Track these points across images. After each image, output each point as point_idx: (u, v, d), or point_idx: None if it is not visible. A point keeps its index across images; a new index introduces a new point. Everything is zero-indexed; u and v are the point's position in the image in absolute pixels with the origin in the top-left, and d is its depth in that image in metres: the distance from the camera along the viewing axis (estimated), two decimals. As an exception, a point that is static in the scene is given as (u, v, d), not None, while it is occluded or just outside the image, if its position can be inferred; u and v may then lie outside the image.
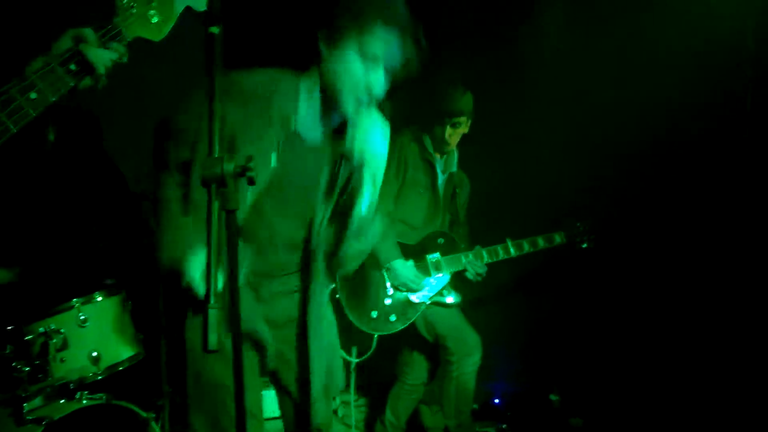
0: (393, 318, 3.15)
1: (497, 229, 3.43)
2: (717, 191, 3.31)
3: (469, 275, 3.23)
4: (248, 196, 1.85)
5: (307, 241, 2.05)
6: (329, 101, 1.91)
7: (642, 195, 3.55)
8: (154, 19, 1.50)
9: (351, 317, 3.16)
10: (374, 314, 3.16)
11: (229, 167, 1.35)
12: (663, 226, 3.50)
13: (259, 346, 2.05)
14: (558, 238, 3.34)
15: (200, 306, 1.26)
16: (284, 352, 2.12)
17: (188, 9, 1.56)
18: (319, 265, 2.07)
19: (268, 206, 1.95)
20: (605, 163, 3.57)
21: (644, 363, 3.53)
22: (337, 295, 3.14)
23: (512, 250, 3.26)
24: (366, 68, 1.84)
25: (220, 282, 1.29)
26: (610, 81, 3.57)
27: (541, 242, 3.31)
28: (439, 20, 3.96)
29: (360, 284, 3.19)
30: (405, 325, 3.19)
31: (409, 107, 3.20)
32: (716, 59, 3.22)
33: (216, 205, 1.34)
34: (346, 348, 3.24)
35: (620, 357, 3.63)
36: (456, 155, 3.38)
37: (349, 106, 1.88)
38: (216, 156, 1.37)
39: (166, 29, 1.53)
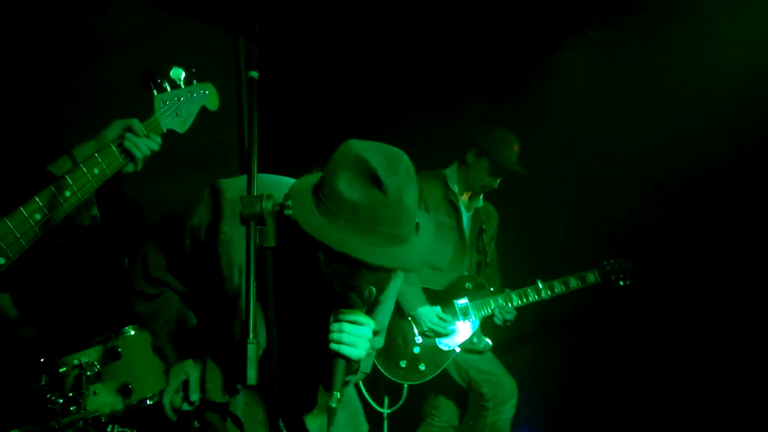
0: (422, 367, 3.07)
1: (527, 268, 3.38)
2: (746, 227, 3.28)
3: (497, 321, 3.15)
4: None
5: None
6: None
7: (674, 233, 3.54)
8: (181, 116, 1.83)
9: (380, 367, 3.07)
10: (403, 363, 3.08)
11: (268, 205, 1.39)
12: (696, 264, 3.46)
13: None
14: (592, 278, 3.23)
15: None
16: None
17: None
18: None
19: None
20: (634, 200, 3.58)
21: (677, 406, 3.45)
22: None
23: (543, 293, 3.18)
24: None
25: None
26: (637, 119, 3.60)
27: (573, 283, 3.21)
28: (466, 61, 4.02)
29: (387, 333, 3.12)
30: (435, 374, 3.11)
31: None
32: (740, 97, 3.25)
33: (253, 243, 1.39)
34: (377, 398, 3.14)
35: (655, 401, 3.56)
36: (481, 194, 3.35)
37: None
38: (254, 195, 1.42)
39: (189, 123, 1.87)
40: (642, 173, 3.59)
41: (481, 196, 3.34)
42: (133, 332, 2.61)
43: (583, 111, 3.89)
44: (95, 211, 1.87)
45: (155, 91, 1.79)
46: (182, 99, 1.84)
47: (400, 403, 3.15)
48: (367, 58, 3.80)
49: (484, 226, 3.34)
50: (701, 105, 3.33)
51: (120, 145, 1.73)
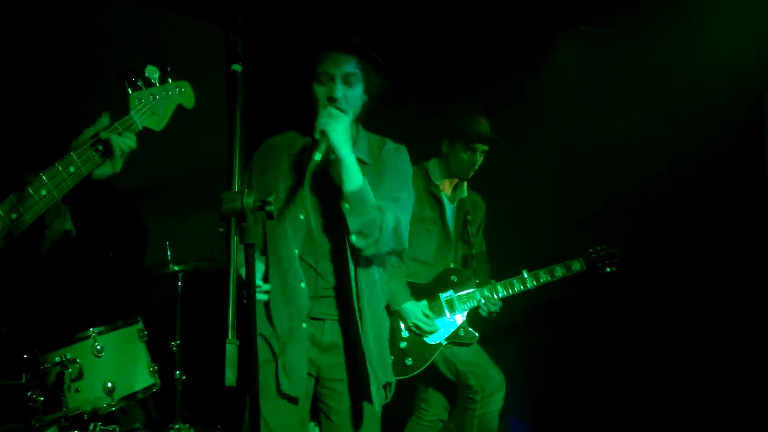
0: (409, 362, 3.04)
1: (513, 259, 3.36)
2: (734, 219, 3.30)
3: (483, 312, 3.15)
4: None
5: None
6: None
7: (661, 223, 3.54)
8: (157, 114, 1.85)
9: None
10: (391, 358, 3.07)
11: (249, 201, 1.37)
12: (684, 254, 3.46)
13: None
14: (577, 266, 3.20)
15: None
16: (328, 374, 2.19)
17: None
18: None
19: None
20: (621, 191, 3.59)
21: (667, 396, 3.46)
22: None
23: (529, 282, 3.15)
24: (325, 85, 2.10)
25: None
26: (624, 112, 3.60)
27: (559, 271, 3.18)
28: (458, 56, 4.02)
29: None
30: (423, 368, 3.06)
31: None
32: (733, 92, 3.25)
33: (235, 239, 1.36)
34: None
35: (642, 390, 3.57)
36: (465, 182, 3.32)
37: (322, 118, 2.06)
38: (236, 191, 1.39)
39: (165, 121, 1.89)
40: (629, 164, 3.59)
41: (465, 186, 3.33)
42: (116, 329, 2.58)
43: (570, 103, 3.88)
44: (69, 225, 1.86)
45: (130, 90, 1.79)
46: (157, 97, 1.84)
47: (387, 399, 3.12)
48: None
49: (469, 217, 3.33)
50: (691, 97, 3.33)
51: (94, 144, 1.71)
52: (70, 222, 1.86)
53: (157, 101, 1.84)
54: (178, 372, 3.03)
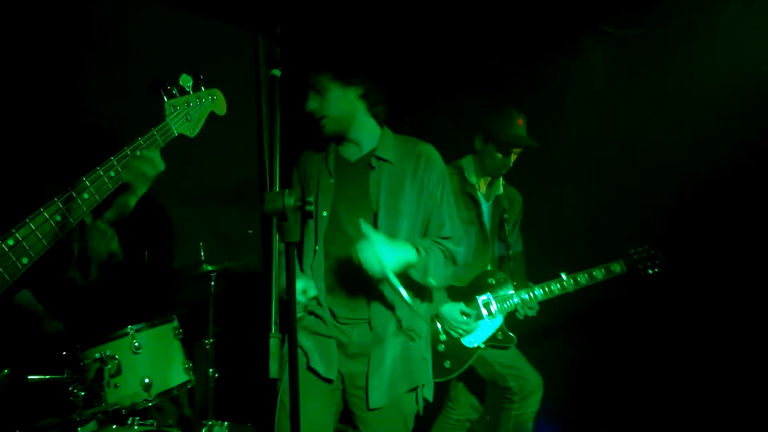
0: (448, 365, 3.03)
1: (547, 260, 3.35)
2: (762, 222, 3.27)
3: (519, 316, 3.13)
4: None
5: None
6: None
7: (685, 225, 3.53)
8: (191, 120, 1.93)
9: None
10: (428, 360, 3.07)
11: (290, 201, 1.41)
12: (710, 254, 3.44)
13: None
14: (618, 268, 3.15)
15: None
16: (356, 381, 2.23)
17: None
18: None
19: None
20: (656, 192, 3.57)
21: (697, 399, 3.43)
22: None
23: (568, 285, 3.11)
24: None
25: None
26: (650, 112, 3.61)
27: (598, 274, 3.13)
28: (484, 56, 4.05)
29: None
30: (460, 371, 3.06)
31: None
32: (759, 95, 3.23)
33: (276, 237, 1.41)
34: None
35: (672, 392, 3.54)
36: (501, 178, 3.30)
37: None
38: (277, 191, 1.44)
39: (198, 128, 1.97)
40: (656, 165, 3.57)
41: (501, 182, 3.30)
42: (153, 327, 2.65)
43: (601, 105, 3.87)
44: (115, 246, 1.95)
45: (165, 98, 1.86)
46: (191, 105, 1.92)
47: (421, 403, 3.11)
48: (381, 56, 3.83)
49: (505, 215, 3.29)
50: (723, 96, 3.29)
51: (109, 169, 1.79)
52: (116, 244, 1.94)
53: (191, 108, 1.92)
54: (211, 369, 3.09)
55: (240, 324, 3.40)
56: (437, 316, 3.05)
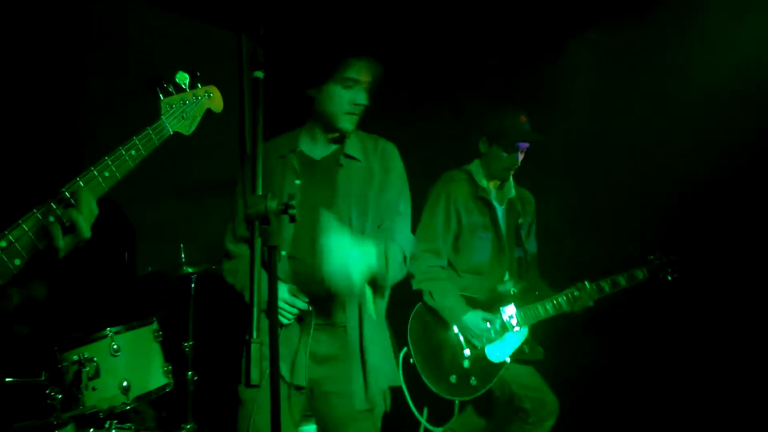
0: (474, 381, 2.93)
1: (568, 269, 3.29)
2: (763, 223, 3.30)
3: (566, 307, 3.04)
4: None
5: None
6: (327, 126, 2.23)
7: (694, 225, 3.54)
8: (187, 118, 1.90)
9: (429, 383, 2.89)
10: (453, 379, 2.93)
11: (272, 205, 1.41)
12: (730, 262, 3.43)
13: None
14: (640, 274, 3.09)
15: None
16: (324, 387, 2.17)
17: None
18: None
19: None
20: (656, 194, 3.59)
21: (706, 410, 3.42)
22: (411, 360, 2.91)
23: (593, 293, 3.04)
24: (346, 90, 2.16)
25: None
26: (639, 116, 3.66)
27: (622, 281, 3.07)
28: (472, 60, 4.07)
29: (435, 348, 2.97)
30: (487, 387, 2.96)
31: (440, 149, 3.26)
32: (748, 94, 3.28)
33: (259, 241, 1.40)
34: (418, 408, 2.94)
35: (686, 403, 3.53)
36: (512, 180, 3.19)
37: (343, 123, 2.19)
38: (259, 195, 1.43)
39: (194, 126, 1.95)
40: (649, 168, 3.61)
41: (512, 183, 3.20)
42: (132, 329, 2.63)
43: (584, 108, 3.91)
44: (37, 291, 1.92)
45: (161, 95, 1.83)
46: (187, 102, 1.90)
47: (454, 419, 2.98)
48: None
49: (520, 220, 3.22)
50: (721, 97, 3.32)
51: (127, 150, 1.71)
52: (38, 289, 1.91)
53: (187, 106, 1.90)
54: (190, 372, 3.07)
55: (220, 327, 3.38)
56: (459, 328, 2.97)
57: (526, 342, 3.04)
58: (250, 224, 1.41)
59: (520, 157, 3.07)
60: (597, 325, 3.58)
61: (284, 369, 2.11)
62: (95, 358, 2.48)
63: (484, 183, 3.13)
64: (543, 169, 3.61)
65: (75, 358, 2.45)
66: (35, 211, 1.47)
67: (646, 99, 3.64)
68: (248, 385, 1.27)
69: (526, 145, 3.06)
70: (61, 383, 2.43)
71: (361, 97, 2.16)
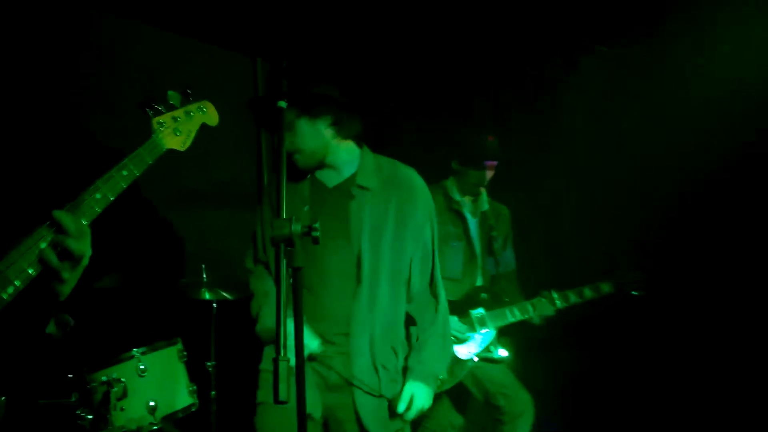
0: (442, 376, 3.12)
1: (539, 279, 3.40)
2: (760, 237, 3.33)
3: (535, 321, 3.22)
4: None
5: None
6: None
7: (687, 242, 3.58)
8: (179, 135, 1.92)
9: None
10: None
11: (297, 227, 1.47)
12: (706, 275, 3.49)
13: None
14: (606, 288, 3.21)
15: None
16: (337, 415, 2.15)
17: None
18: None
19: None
20: (645, 211, 3.64)
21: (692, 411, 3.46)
22: None
23: (559, 303, 3.19)
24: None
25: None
26: (644, 129, 3.69)
27: (588, 293, 3.21)
28: (479, 76, 4.15)
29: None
30: (453, 383, 3.12)
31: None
32: (756, 106, 3.31)
33: (284, 263, 1.46)
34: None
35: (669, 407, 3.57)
36: (485, 193, 3.40)
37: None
38: (284, 217, 1.49)
39: (189, 141, 1.96)
40: (650, 180, 3.65)
41: (485, 197, 3.40)
42: (159, 349, 2.68)
43: (591, 120, 3.96)
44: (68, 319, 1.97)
45: (152, 114, 1.87)
46: (179, 119, 1.92)
47: (428, 419, 3.17)
48: (377, 74, 3.93)
49: (493, 233, 3.38)
50: (712, 112, 3.37)
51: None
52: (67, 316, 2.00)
53: (179, 123, 1.93)
54: (213, 392, 3.12)
55: (243, 346, 3.43)
56: None
57: (493, 343, 3.19)
58: (276, 246, 1.46)
59: (489, 174, 3.30)
60: (583, 331, 3.67)
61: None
62: (123, 379, 2.53)
63: (457, 197, 3.36)
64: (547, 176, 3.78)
65: (103, 378, 2.51)
66: (26, 239, 1.51)
67: (645, 109, 3.69)
68: (277, 401, 1.31)
69: (494, 162, 3.29)
70: (90, 404, 2.49)
71: (286, 144, 1.96)
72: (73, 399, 2.44)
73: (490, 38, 3.94)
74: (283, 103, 1.63)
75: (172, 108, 1.93)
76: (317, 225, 1.50)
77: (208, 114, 2.02)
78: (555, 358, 3.80)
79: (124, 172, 1.76)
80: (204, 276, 3.17)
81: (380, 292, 2.13)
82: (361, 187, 2.17)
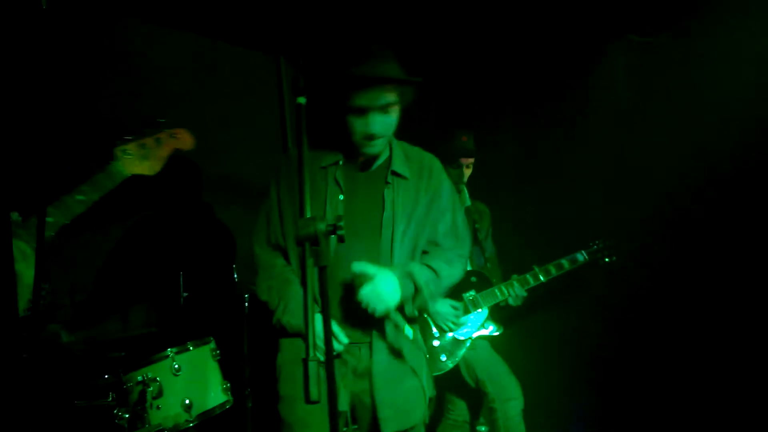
0: (443, 357, 3.30)
1: (529, 256, 3.54)
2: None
3: (512, 302, 3.40)
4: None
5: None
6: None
7: (697, 233, 3.54)
8: (148, 159, 2.04)
9: None
10: (426, 357, 3.25)
11: (322, 226, 1.46)
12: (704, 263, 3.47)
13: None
14: (581, 257, 3.48)
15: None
16: (363, 400, 2.19)
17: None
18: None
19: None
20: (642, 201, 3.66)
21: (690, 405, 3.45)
22: None
23: (541, 276, 3.41)
24: (358, 119, 2.07)
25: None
26: (673, 122, 3.60)
27: (566, 264, 3.46)
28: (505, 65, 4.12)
29: None
30: (455, 363, 3.32)
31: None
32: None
33: (311, 261, 1.45)
34: None
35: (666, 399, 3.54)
36: (466, 190, 3.54)
37: (364, 149, 2.14)
38: (309, 217, 1.49)
39: (159, 166, 2.07)
40: (678, 172, 3.55)
41: (467, 195, 3.55)
42: (192, 348, 2.72)
43: (617, 111, 3.89)
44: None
45: (118, 143, 2.01)
46: (147, 146, 2.04)
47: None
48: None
49: (477, 225, 3.57)
50: (744, 106, 3.25)
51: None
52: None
53: (147, 149, 2.05)
54: (248, 390, 3.15)
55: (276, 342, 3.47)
56: (429, 315, 3.31)
57: (486, 320, 3.40)
58: (301, 246, 1.45)
59: (467, 171, 3.51)
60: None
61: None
62: (158, 378, 2.57)
63: None
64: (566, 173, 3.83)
65: (139, 378, 2.55)
66: None
67: (680, 106, 3.60)
68: (308, 401, 1.31)
69: (470, 159, 3.49)
70: (127, 403, 2.54)
71: (375, 125, 2.06)
72: (110, 399, 2.49)
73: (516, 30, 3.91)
74: (302, 100, 1.61)
75: (142, 136, 2.04)
76: (342, 224, 1.49)
77: (181, 140, 2.14)
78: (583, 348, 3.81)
79: (79, 197, 1.91)
80: (235, 276, 3.20)
81: None
82: (397, 174, 2.20)
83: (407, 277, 2.13)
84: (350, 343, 2.15)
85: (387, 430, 2.14)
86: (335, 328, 2.11)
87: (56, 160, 2.51)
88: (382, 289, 2.04)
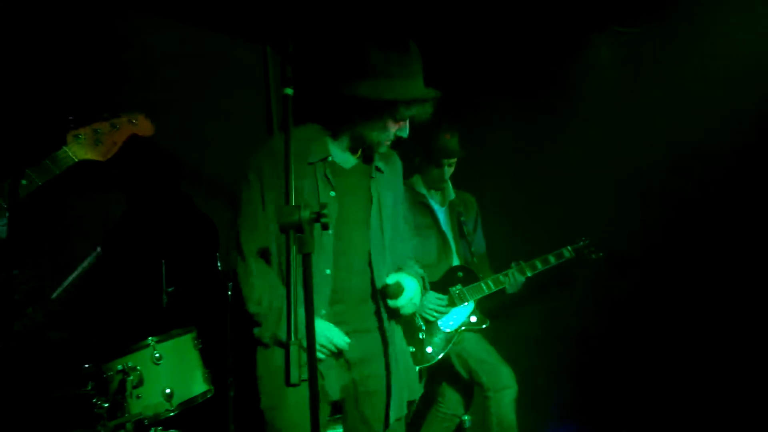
0: (429, 349, 3.30)
1: (515, 250, 3.60)
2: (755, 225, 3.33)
3: (509, 290, 3.45)
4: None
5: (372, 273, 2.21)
6: (361, 142, 2.21)
7: (686, 221, 3.60)
8: (102, 144, 2.03)
9: None
10: (412, 349, 3.25)
11: (305, 214, 1.47)
12: (696, 259, 3.54)
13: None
14: (567, 253, 3.53)
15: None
16: (359, 387, 2.21)
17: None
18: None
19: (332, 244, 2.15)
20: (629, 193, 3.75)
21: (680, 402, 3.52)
22: None
23: (528, 271, 3.46)
24: (397, 125, 2.15)
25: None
26: (655, 110, 3.69)
27: (552, 259, 3.51)
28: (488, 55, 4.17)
29: None
30: (442, 354, 3.33)
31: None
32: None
33: (294, 249, 1.46)
34: None
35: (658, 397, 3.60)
36: (450, 183, 3.56)
37: (381, 148, 2.22)
38: (292, 204, 1.50)
39: (113, 151, 2.06)
40: (662, 162, 3.64)
41: (450, 187, 3.57)
42: (174, 337, 2.71)
43: (601, 100, 3.95)
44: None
45: (71, 128, 1.99)
46: (100, 131, 2.03)
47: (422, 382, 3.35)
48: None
49: (462, 218, 3.60)
50: (726, 93, 3.34)
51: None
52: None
53: (101, 134, 2.03)
54: (230, 379, 3.14)
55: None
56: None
57: (473, 313, 3.42)
58: (285, 233, 1.47)
59: (449, 169, 3.49)
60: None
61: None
62: (138, 367, 2.56)
63: (423, 191, 3.56)
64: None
65: (119, 367, 2.53)
66: None
67: (663, 94, 3.66)
68: (288, 384, 1.33)
69: (453, 158, 3.47)
70: (107, 392, 2.52)
71: (406, 131, 2.18)
72: (89, 388, 2.48)
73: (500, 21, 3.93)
74: (289, 90, 1.62)
75: (95, 120, 2.03)
76: (326, 211, 1.50)
77: (140, 125, 2.12)
78: (569, 342, 3.84)
79: (23, 182, 1.91)
80: (219, 264, 3.19)
81: (387, 270, 2.25)
82: (378, 169, 2.28)
83: (420, 278, 2.31)
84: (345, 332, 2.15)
85: (394, 414, 2.18)
86: (335, 330, 2.11)
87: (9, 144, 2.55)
88: (414, 295, 2.19)
